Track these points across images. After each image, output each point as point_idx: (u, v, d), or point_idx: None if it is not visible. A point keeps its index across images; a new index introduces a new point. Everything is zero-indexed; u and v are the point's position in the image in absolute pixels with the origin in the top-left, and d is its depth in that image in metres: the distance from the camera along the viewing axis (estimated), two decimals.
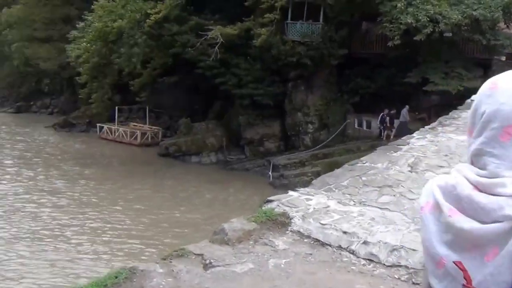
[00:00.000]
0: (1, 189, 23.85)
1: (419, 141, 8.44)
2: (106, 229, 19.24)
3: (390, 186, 6.97)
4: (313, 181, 7.16)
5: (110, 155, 32.97)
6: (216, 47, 26.91)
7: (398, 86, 27.38)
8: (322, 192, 6.83)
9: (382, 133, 27.39)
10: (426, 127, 9.24)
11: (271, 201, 6.54)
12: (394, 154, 8.00)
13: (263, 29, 26.07)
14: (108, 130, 37.25)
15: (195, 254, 5.53)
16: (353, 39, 29.54)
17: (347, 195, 6.72)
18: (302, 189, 6.95)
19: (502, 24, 25.51)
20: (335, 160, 26.97)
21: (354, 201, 6.55)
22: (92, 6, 32.10)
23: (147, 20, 28.77)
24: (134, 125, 38.10)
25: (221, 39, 26.80)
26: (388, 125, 27.02)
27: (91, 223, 19.86)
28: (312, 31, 27.98)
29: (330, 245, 5.75)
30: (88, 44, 31.03)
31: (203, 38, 27.41)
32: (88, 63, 31.56)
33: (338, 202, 6.50)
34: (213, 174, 29.12)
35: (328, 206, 6.37)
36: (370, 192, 6.80)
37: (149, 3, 29.97)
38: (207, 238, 6.16)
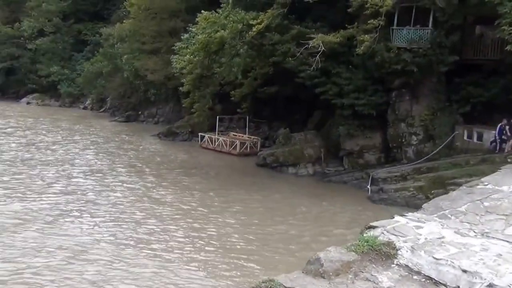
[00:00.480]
0: (112, 195, 24.65)
1: None
2: (211, 240, 19.12)
3: None
4: (424, 205, 6.15)
5: (208, 165, 33.16)
6: (318, 56, 26.05)
7: None
8: (435, 218, 5.82)
9: (498, 146, 25.00)
10: None
11: (374, 227, 5.65)
12: None
13: (366, 36, 24.85)
14: (208, 140, 37.71)
15: (285, 287, 4.78)
16: (465, 44, 27.35)
17: (466, 223, 5.66)
18: (410, 214, 5.97)
19: None
20: (440, 174, 25.13)
21: (475, 232, 5.49)
22: (196, 19, 32.60)
23: (250, 32, 28.58)
24: (234, 135, 38.31)
25: (323, 48, 25.91)
26: (509, 135, 24.58)
27: (196, 234, 19.87)
28: (420, 37, 26.24)
29: (445, 286, 4.75)
30: (192, 56, 31.49)
31: (304, 48, 26.68)
32: (191, 74, 32.05)
33: (455, 232, 5.47)
34: (309, 186, 28.31)
35: (443, 237, 5.36)
36: (495, 221, 5.69)
37: (251, 13, 29.83)
38: (300, 260, 5.37)
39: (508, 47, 21.64)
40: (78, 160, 32.14)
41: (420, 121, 27.76)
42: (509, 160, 24.33)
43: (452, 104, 27.41)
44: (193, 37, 34.32)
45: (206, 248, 18.20)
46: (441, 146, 27.18)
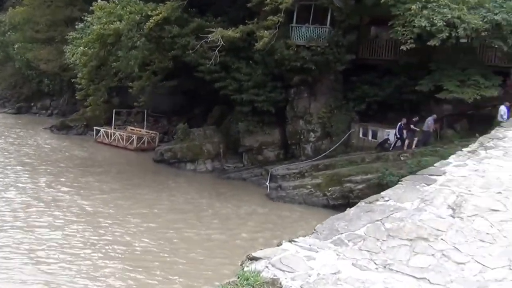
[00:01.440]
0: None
1: (459, 170, 6.24)
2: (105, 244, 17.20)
3: (426, 240, 4.78)
4: (318, 227, 4.98)
5: (105, 161, 30.81)
6: (217, 50, 24.74)
7: (408, 94, 25.15)
8: (330, 245, 4.66)
9: (397, 144, 25.07)
10: (464, 150, 7.05)
11: (257, 258, 4.39)
12: (427, 188, 5.80)
13: (265, 32, 23.89)
14: (104, 134, 35.19)
15: None
16: (361, 44, 27.31)
17: (366, 251, 4.55)
18: (301, 239, 4.76)
19: None
20: (337, 172, 24.81)
21: (376, 263, 4.38)
22: (91, 7, 30.00)
23: (147, 22, 26.62)
24: (132, 129, 36.08)
25: (222, 42, 24.62)
26: (412, 133, 24.66)
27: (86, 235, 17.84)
28: (318, 35, 25.74)
29: None
30: (86, 47, 28.89)
31: (203, 41, 25.28)
32: (86, 66, 29.43)
33: (353, 264, 4.33)
34: (209, 183, 26.97)
35: (339, 271, 4.20)
36: (398, 248, 4.62)
37: (150, 4, 27.87)
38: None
39: (402, 47, 21.57)
40: None
41: (318, 119, 27.36)
42: (402, 158, 24.55)
43: (348, 102, 27.26)
44: (88, 27, 31.68)
45: (111, 254, 16.34)
46: (337, 144, 26.96)
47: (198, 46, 25.77)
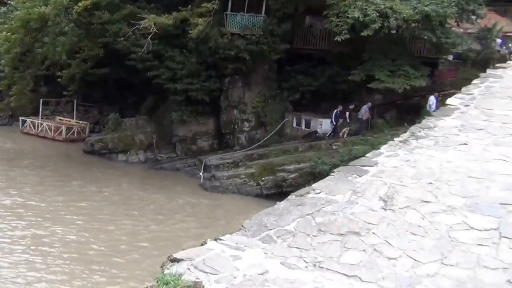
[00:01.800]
0: None
1: (390, 160, 6.05)
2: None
3: (357, 234, 4.54)
4: (245, 223, 4.63)
5: (33, 152, 29.21)
6: (149, 38, 23.86)
7: (341, 84, 25.37)
8: (258, 242, 4.32)
9: (335, 132, 25.21)
10: (396, 139, 6.91)
11: (178, 260, 3.98)
12: (359, 179, 5.57)
13: (200, 19, 23.24)
14: (31, 124, 33.35)
15: None
16: (296, 34, 27.22)
17: (295, 249, 4.25)
18: (228, 237, 4.39)
19: (452, 23, 23.89)
20: (271, 161, 24.79)
21: (305, 261, 4.08)
22: None
23: (75, 7, 25.22)
24: (60, 119, 34.39)
25: (155, 29, 23.75)
26: (347, 121, 24.79)
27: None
28: (253, 24, 25.42)
29: None
30: (9, 33, 27.01)
31: (135, 28, 24.31)
32: (9, 53, 27.55)
33: (281, 263, 4.02)
34: (140, 174, 26.27)
35: (267, 271, 3.88)
36: (329, 244, 4.35)
37: None
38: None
39: (337, 38, 21.63)
40: None
41: (252, 108, 27.15)
42: (334, 147, 24.77)
43: (282, 92, 27.18)
44: (12, 12, 29.78)
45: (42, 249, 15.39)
46: (271, 133, 26.89)
47: (130, 33, 24.72)
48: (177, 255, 4.08)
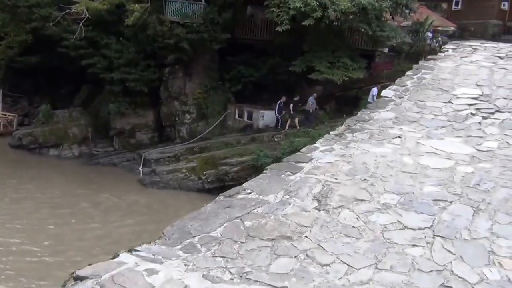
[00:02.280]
0: None
1: (325, 155, 5.85)
2: None
3: (289, 238, 4.28)
4: (166, 230, 4.26)
5: None
6: (81, 24, 22.81)
7: (282, 75, 25.20)
8: (179, 252, 3.97)
9: (279, 123, 24.99)
10: (331, 133, 6.73)
11: (82, 278, 3.56)
12: (293, 177, 5.33)
13: (136, 5, 22.41)
14: None
15: None
16: (237, 24, 26.81)
17: (220, 258, 3.92)
18: (145, 247, 4.01)
19: (388, 16, 24.26)
20: (213, 154, 24.35)
21: (231, 272, 3.77)
22: None
23: None
24: None
25: (87, 15, 22.73)
26: (292, 112, 24.57)
27: None
28: (193, 12, 24.79)
29: None
30: None
31: (65, 12, 23.18)
32: None
33: (203, 276, 3.69)
34: (73, 170, 25.10)
35: (186, 287, 3.54)
36: (258, 252, 4.06)
37: None
38: None
39: (278, 28, 21.42)
40: None
41: (193, 100, 26.54)
42: (276, 139, 24.65)
43: (224, 83, 26.72)
44: None
45: None
46: (213, 125, 26.43)
47: (60, 17, 23.54)
48: (81, 272, 3.65)
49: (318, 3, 20.14)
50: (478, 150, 6.15)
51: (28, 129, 28.82)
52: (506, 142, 6.36)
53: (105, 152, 27.86)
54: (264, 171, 5.44)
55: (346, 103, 24.26)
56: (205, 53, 25.72)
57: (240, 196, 4.97)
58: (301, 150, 6.03)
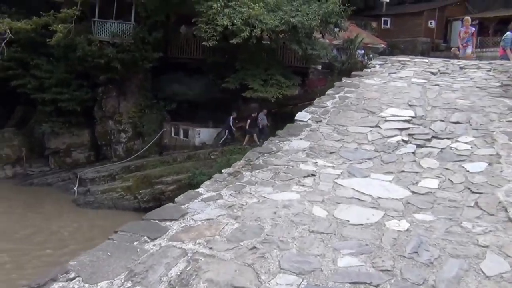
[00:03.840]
0: None
1: (207, 207, 3.73)
2: None
3: None
4: None
5: None
6: (3, 44, 20.04)
7: (217, 93, 23.16)
8: None
9: (226, 139, 22.85)
10: (224, 171, 4.67)
11: None
12: (149, 245, 3.18)
13: (59, 26, 19.83)
14: None
15: None
16: (170, 42, 24.59)
17: None
18: None
19: (318, 34, 22.70)
20: (148, 173, 21.97)
21: None
22: None
23: None
24: None
25: (10, 35, 19.97)
26: (247, 128, 22.41)
27: None
28: (123, 31, 22.42)
29: None
30: None
31: None
32: None
33: None
34: (7, 192, 22.10)
35: None
36: None
37: None
38: None
39: (205, 43, 19.37)
40: None
41: (128, 118, 24.13)
42: (212, 157, 22.47)
43: (159, 102, 24.41)
44: None
45: None
46: (149, 144, 24.09)
47: None
48: None
49: (244, 22, 18.20)
50: (414, 192, 4.13)
51: None
52: (449, 180, 4.37)
53: (41, 172, 25.04)
54: (110, 238, 3.33)
55: (282, 120, 22.42)
56: (138, 72, 23.36)
57: (56, 286, 2.81)
58: (175, 200, 3.91)
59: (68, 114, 23.85)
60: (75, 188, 22.41)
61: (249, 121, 22.55)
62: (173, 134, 24.49)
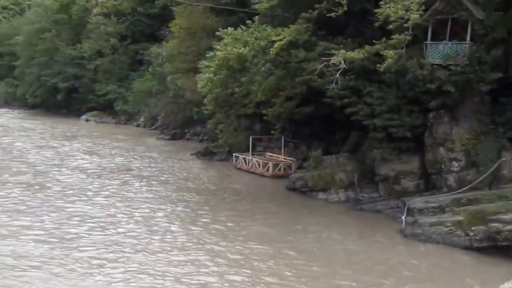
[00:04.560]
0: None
1: None
2: None
3: None
4: None
5: (237, 187, 30.98)
6: (338, 74, 23.25)
7: None
8: None
9: None
10: None
11: None
12: None
13: (390, 52, 21.70)
14: (243, 160, 35.54)
15: None
16: (510, 61, 23.48)
17: None
18: None
19: None
20: (482, 208, 21.42)
21: None
22: (217, 32, 30.49)
23: (272, 48, 26.20)
24: (270, 156, 35.87)
25: (344, 65, 23.04)
26: None
27: None
28: (456, 53, 22.71)
29: None
30: (211, 74, 29.40)
31: (323, 64, 23.97)
32: (212, 93, 29.98)
33: None
34: (336, 215, 25.32)
35: None
36: None
37: (277, 29, 27.40)
38: None
39: None
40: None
41: (461, 146, 24.04)
42: None
43: (497, 127, 23.59)
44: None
45: None
46: (485, 175, 23.33)
47: (321, 70, 24.49)
48: None
49: None
50: None
51: (300, 173, 30.61)
52: None
53: (370, 197, 27.58)
54: None
55: None
56: (473, 95, 23.20)
57: None
58: None
59: (398, 141, 25.45)
60: (402, 218, 23.60)
61: None
62: None
